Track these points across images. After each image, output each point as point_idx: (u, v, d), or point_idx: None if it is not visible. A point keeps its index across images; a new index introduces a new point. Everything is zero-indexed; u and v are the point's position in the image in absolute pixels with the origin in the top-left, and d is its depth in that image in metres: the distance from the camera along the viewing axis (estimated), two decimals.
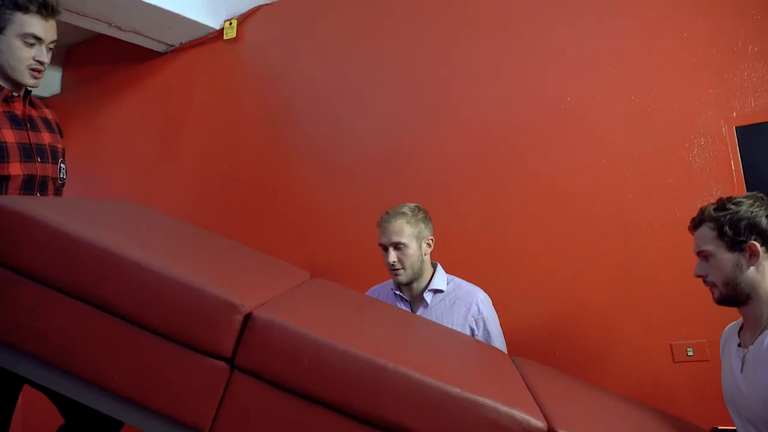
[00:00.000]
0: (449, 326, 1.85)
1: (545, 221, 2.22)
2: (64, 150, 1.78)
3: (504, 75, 2.31)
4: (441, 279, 1.98)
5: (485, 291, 1.96)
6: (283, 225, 2.82)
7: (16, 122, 1.59)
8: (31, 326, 1.16)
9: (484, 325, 1.90)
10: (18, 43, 1.54)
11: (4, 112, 1.58)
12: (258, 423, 1.13)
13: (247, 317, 1.14)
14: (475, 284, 1.98)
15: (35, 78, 1.59)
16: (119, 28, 3.23)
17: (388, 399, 1.11)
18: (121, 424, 1.55)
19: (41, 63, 1.58)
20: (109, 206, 1.54)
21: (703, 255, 1.41)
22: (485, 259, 2.31)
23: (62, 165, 1.75)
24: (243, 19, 3.16)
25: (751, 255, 1.35)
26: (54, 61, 4.54)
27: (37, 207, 1.22)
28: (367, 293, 2.13)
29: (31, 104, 1.69)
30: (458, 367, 1.35)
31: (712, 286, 1.41)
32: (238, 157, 3.04)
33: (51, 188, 1.68)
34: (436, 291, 1.96)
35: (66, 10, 3.00)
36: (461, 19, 2.37)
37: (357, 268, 2.53)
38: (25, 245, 1.17)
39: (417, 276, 1.94)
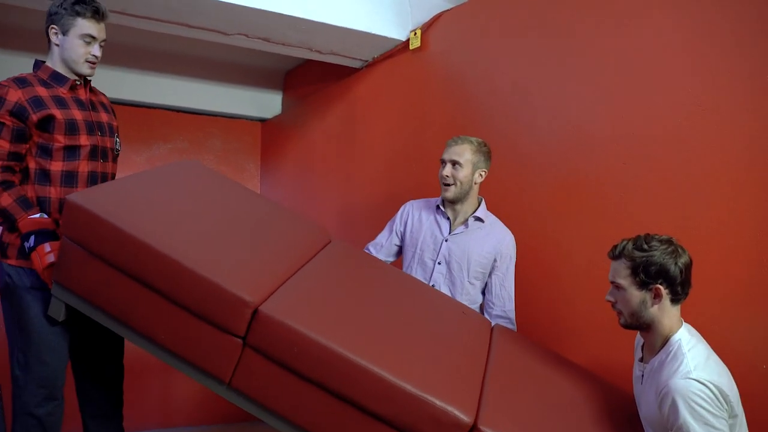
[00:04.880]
0: (479, 250, 2.23)
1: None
2: (117, 127, 2.23)
3: (692, 58, 2.14)
4: (483, 211, 2.30)
5: None
6: None
7: (81, 104, 2.05)
8: (104, 292, 1.71)
9: (508, 263, 2.28)
10: (78, 42, 1.97)
11: (72, 97, 2.03)
12: (261, 384, 1.59)
13: (256, 311, 1.55)
14: None
15: (91, 68, 2.04)
16: (319, 52, 3.64)
17: (355, 385, 1.49)
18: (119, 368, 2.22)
19: (96, 57, 2.01)
20: (161, 183, 1.99)
21: (615, 285, 1.62)
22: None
23: (117, 138, 2.21)
24: (426, 28, 3.33)
25: (655, 296, 1.56)
26: (274, 85, 5.23)
27: (101, 202, 1.68)
28: (405, 204, 2.46)
29: (91, 91, 2.15)
30: (420, 361, 1.62)
31: (619, 312, 1.65)
32: (424, 158, 3.23)
33: (110, 156, 2.15)
34: (477, 219, 2.28)
35: (275, 42, 3.47)
36: (641, 4, 2.26)
37: (535, 255, 2.55)
38: (92, 234, 1.65)
39: (462, 196, 2.24)
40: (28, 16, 3.13)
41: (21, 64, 2.44)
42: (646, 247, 1.56)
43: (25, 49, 3.83)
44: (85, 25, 1.96)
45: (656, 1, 2.15)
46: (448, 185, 2.22)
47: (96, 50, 2.01)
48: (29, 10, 2.93)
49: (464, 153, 2.21)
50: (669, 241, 1.58)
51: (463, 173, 2.20)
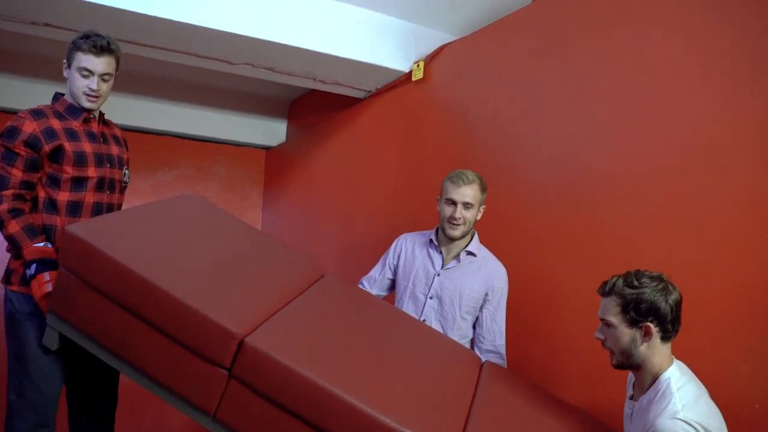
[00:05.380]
0: (471, 284, 2.24)
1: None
2: (128, 159, 2.27)
3: (693, 91, 2.14)
4: (476, 245, 2.30)
5: None
6: None
7: (92, 137, 2.10)
8: (96, 322, 1.70)
9: (500, 297, 2.27)
10: (77, 75, 2.01)
11: (84, 130, 2.08)
12: (246, 417, 1.58)
13: (241, 342, 1.56)
14: None
15: (90, 102, 2.05)
16: (323, 82, 3.68)
17: (338, 418, 1.48)
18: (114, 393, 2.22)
19: (92, 90, 2.02)
20: (158, 216, 2.02)
21: (605, 323, 1.60)
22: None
23: (126, 171, 2.25)
24: (429, 60, 3.36)
25: (645, 334, 1.54)
26: (279, 114, 5.28)
27: (98, 233, 1.71)
28: (399, 238, 2.46)
29: (104, 123, 2.19)
30: (404, 395, 1.62)
31: (610, 351, 1.63)
32: (425, 189, 3.23)
33: (117, 188, 2.19)
34: (470, 253, 2.27)
35: (280, 72, 3.51)
36: (639, 37, 2.27)
37: (532, 291, 2.52)
38: (86, 264, 1.67)
39: (466, 234, 2.24)
40: (57, 46, 3.17)
41: (47, 93, 2.46)
42: (636, 283, 1.54)
43: (53, 79, 3.92)
44: (82, 59, 1.99)
45: (655, 39, 2.16)
46: (457, 226, 2.20)
47: (93, 83, 2.02)
48: (58, 41, 2.99)
49: (475, 195, 2.20)
50: (659, 278, 1.55)
51: (471, 213, 2.22)
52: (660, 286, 1.53)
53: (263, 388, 1.54)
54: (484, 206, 2.27)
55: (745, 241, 1.80)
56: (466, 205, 2.19)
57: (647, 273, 1.56)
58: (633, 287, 1.54)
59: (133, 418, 4.05)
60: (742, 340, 1.78)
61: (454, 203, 2.20)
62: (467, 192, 2.19)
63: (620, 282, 1.57)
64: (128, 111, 4.55)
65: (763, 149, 1.79)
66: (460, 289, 2.23)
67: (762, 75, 1.81)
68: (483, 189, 2.24)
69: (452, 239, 2.25)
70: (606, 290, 1.60)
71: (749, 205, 1.81)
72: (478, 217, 2.26)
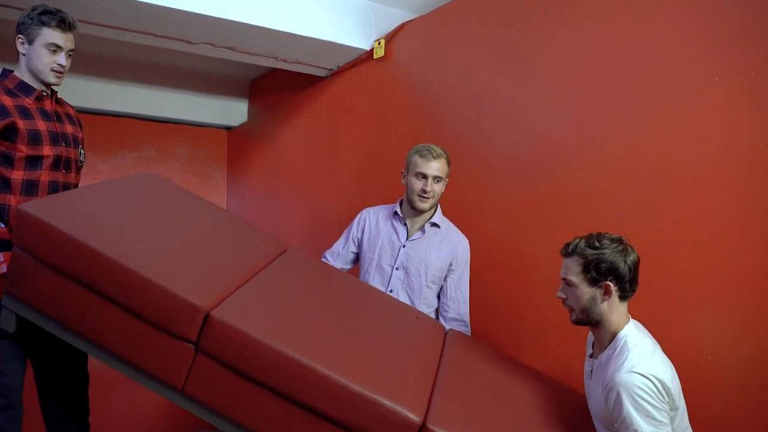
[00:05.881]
0: (436, 255, 2.30)
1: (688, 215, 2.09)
2: (83, 139, 2.23)
3: (646, 67, 2.22)
4: (439, 216, 2.37)
5: None
6: None
7: (46, 115, 2.06)
8: (56, 302, 1.67)
9: (463, 267, 2.34)
10: (44, 51, 1.98)
11: (37, 107, 2.04)
12: (214, 390, 1.59)
13: (207, 316, 1.56)
14: None
15: (57, 78, 2.04)
16: (285, 61, 3.66)
17: (306, 387, 1.51)
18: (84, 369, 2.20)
19: (62, 66, 2.01)
20: (115, 194, 1.98)
21: (567, 282, 1.67)
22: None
23: (82, 150, 2.22)
24: (390, 38, 3.38)
25: (605, 292, 1.61)
26: (240, 93, 5.23)
27: (53, 211, 1.67)
28: (362, 212, 2.50)
29: (57, 102, 2.16)
30: (370, 363, 1.66)
31: (570, 309, 1.69)
32: (389, 165, 3.26)
33: (74, 167, 2.15)
34: (433, 224, 2.34)
35: (241, 51, 3.49)
36: (596, 14, 2.33)
37: (496, 261, 2.60)
38: (44, 244, 1.63)
39: (434, 206, 2.32)
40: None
41: None
42: (597, 244, 1.61)
43: None
44: (50, 35, 1.96)
45: (611, 11, 2.23)
46: (427, 199, 2.26)
47: (62, 59, 2.01)
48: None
49: (443, 168, 2.27)
50: (619, 240, 1.63)
51: (440, 187, 2.28)
52: (620, 248, 1.60)
53: (230, 361, 1.55)
54: (447, 179, 2.33)
55: (698, 202, 1.90)
56: (436, 179, 2.25)
57: (607, 235, 1.64)
58: (594, 248, 1.61)
59: (104, 400, 4.03)
60: (696, 298, 1.89)
61: (424, 176, 2.24)
62: (437, 166, 2.24)
63: (582, 243, 1.64)
64: (85, 92, 4.44)
65: (716, 117, 1.89)
66: (425, 260, 2.28)
67: (719, 44, 1.89)
68: (449, 162, 2.30)
69: (421, 212, 2.30)
70: (568, 251, 1.67)
71: (704, 169, 1.90)
72: (443, 190, 2.32)
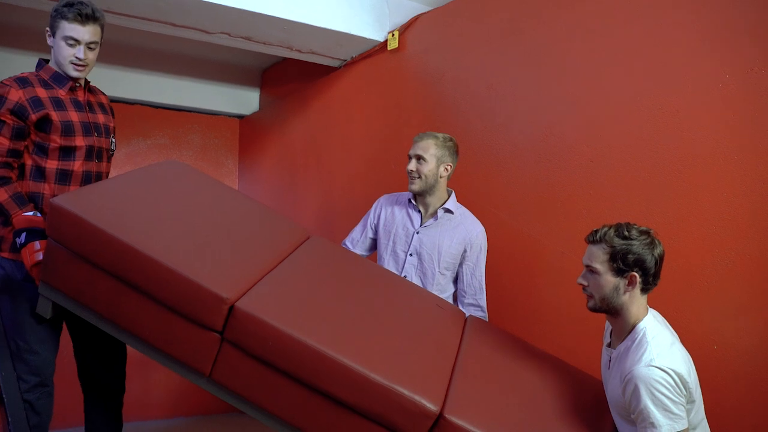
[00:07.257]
0: (449, 241, 2.32)
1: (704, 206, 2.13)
2: (114, 128, 2.28)
3: (658, 63, 2.25)
4: (453, 203, 2.38)
5: None
6: None
7: (79, 106, 2.10)
8: (88, 291, 1.73)
9: (478, 253, 2.36)
10: (62, 44, 2.00)
11: (70, 98, 2.08)
12: (240, 377, 1.66)
13: (232, 307, 1.62)
14: None
15: (78, 71, 2.05)
16: (299, 51, 3.70)
17: (326, 376, 1.57)
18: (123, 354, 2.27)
19: (79, 59, 2.02)
20: (143, 184, 2.03)
21: (590, 269, 1.65)
22: None
23: (113, 139, 2.26)
24: (404, 30, 3.40)
25: (629, 283, 1.61)
26: (251, 83, 5.26)
27: (84, 204, 1.73)
28: (379, 199, 2.55)
29: (90, 91, 2.20)
30: (390, 353, 1.70)
31: (589, 296, 1.68)
32: (401, 155, 3.28)
33: (105, 156, 2.21)
34: (447, 210, 2.36)
35: (256, 41, 3.52)
36: (609, 10, 2.36)
37: (508, 252, 2.65)
38: (75, 236, 1.69)
39: (428, 189, 2.32)
40: (36, 16, 3.15)
41: (27, 64, 2.43)
42: (627, 234, 1.60)
43: (32, 49, 3.92)
44: (67, 27, 1.98)
45: (621, 10, 2.26)
46: (414, 179, 2.31)
47: (80, 53, 2.01)
48: (38, 11, 2.98)
49: (429, 148, 2.29)
50: (647, 233, 1.63)
51: (427, 168, 2.29)
52: (648, 240, 1.60)
53: (254, 350, 1.61)
54: (450, 165, 2.34)
55: (708, 195, 1.95)
56: (419, 158, 2.29)
57: (636, 226, 1.63)
58: (623, 238, 1.60)
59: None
60: (703, 288, 1.95)
61: (409, 157, 2.33)
62: (420, 145, 2.31)
63: (611, 232, 1.62)
64: (100, 81, 4.46)
65: (725, 112, 1.93)
66: (438, 246, 2.33)
67: (730, 40, 1.93)
68: (442, 145, 2.31)
69: (415, 194, 2.35)
70: (596, 238, 1.65)
71: (712, 162, 1.95)
72: (442, 174, 2.33)
